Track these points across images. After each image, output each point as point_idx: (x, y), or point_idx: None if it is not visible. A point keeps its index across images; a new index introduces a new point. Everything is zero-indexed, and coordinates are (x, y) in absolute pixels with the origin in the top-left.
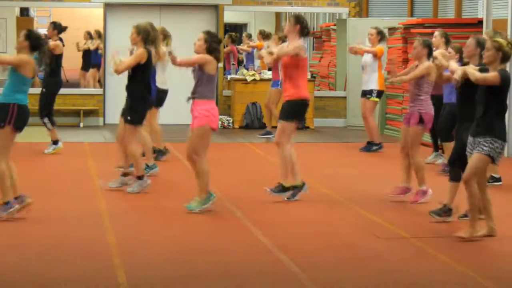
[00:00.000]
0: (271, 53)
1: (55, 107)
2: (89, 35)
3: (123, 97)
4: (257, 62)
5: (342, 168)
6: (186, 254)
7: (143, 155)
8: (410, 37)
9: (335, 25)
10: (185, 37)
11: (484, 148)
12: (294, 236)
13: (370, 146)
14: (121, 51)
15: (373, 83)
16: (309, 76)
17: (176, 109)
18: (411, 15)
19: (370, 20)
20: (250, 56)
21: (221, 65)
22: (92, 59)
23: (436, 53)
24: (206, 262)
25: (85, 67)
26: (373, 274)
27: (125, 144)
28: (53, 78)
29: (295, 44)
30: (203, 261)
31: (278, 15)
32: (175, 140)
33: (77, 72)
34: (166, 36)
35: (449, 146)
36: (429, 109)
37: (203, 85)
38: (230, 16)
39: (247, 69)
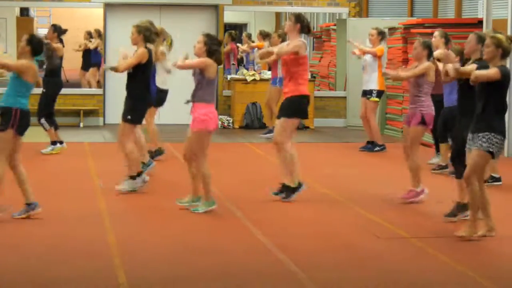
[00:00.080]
0: (270, 53)
1: (55, 107)
2: (89, 35)
3: (123, 97)
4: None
5: (342, 168)
6: (186, 254)
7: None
8: (410, 37)
9: (335, 25)
10: (185, 37)
11: (484, 144)
12: (294, 236)
13: (372, 146)
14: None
15: (373, 83)
16: (309, 76)
17: (176, 109)
18: (411, 15)
19: (370, 20)
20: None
21: (221, 66)
22: (92, 59)
23: (436, 53)
24: (206, 262)
25: (85, 66)
26: (373, 274)
27: (122, 144)
28: (53, 79)
29: (295, 42)
30: (203, 261)
31: (278, 15)
32: (174, 140)
33: (77, 72)
34: (165, 37)
35: (445, 147)
36: (430, 110)
37: (203, 88)
38: (230, 16)
39: (247, 69)
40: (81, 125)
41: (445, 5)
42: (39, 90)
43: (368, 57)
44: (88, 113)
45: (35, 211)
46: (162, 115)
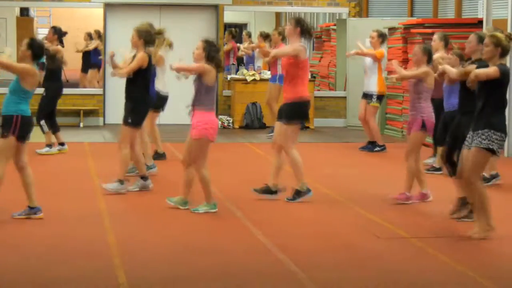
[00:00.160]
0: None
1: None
2: (89, 37)
3: (123, 97)
4: (258, 62)
5: (342, 168)
6: (186, 254)
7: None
8: (410, 37)
9: (335, 25)
10: (185, 37)
11: (483, 141)
12: (294, 236)
13: (372, 146)
14: (121, 52)
15: (373, 86)
16: (309, 76)
17: (176, 109)
18: (411, 15)
19: (370, 20)
20: (250, 56)
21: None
22: (91, 59)
23: (435, 56)
24: (206, 262)
25: (85, 68)
26: (373, 274)
27: (120, 148)
28: (53, 82)
29: (295, 46)
30: (203, 261)
31: (278, 15)
32: (175, 140)
33: (77, 72)
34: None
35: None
36: (430, 116)
37: (202, 95)
38: (230, 16)
39: (247, 69)
40: (81, 125)
41: (445, 5)
42: (40, 90)
43: (368, 60)
44: (88, 113)
45: (36, 216)
46: (162, 115)
